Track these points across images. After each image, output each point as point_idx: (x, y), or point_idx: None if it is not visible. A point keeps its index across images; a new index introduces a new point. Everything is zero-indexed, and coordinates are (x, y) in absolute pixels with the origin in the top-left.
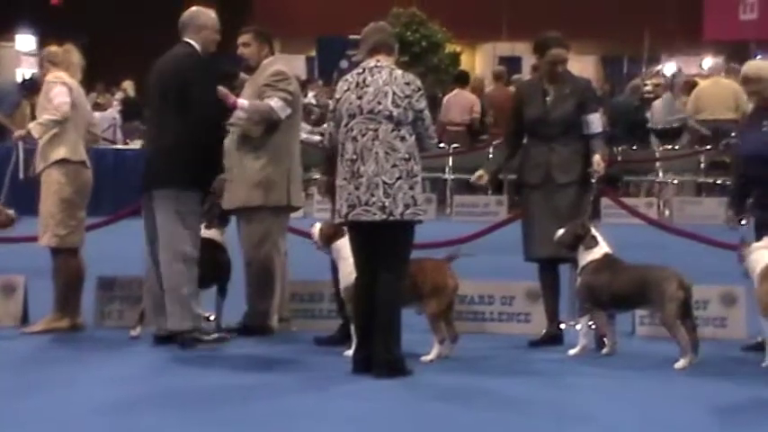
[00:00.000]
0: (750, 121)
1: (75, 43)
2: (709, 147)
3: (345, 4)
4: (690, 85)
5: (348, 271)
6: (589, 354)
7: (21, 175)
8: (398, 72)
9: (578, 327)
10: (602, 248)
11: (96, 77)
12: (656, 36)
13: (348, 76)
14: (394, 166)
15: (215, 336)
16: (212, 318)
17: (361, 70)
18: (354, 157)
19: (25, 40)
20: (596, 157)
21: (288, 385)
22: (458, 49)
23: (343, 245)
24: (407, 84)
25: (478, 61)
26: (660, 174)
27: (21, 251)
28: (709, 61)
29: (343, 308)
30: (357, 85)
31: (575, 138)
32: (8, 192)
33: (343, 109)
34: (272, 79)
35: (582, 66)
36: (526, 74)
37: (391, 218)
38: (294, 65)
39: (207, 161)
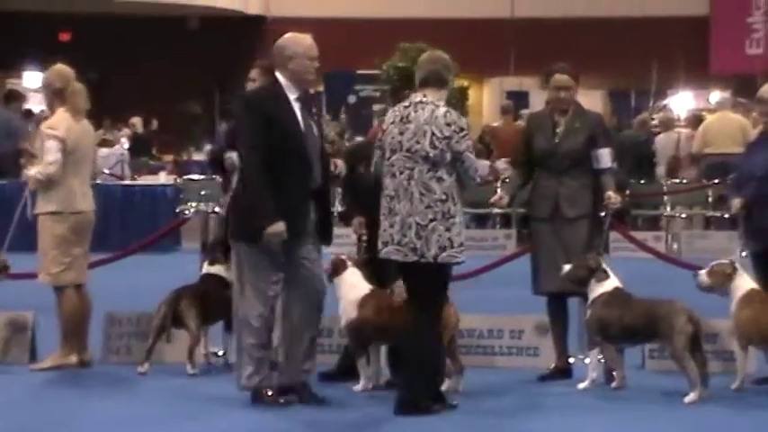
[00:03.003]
0: (760, 142)
1: (84, 80)
2: (717, 180)
3: (353, 38)
4: (697, 120)
5: (346, 308)
6: (598, 387)
7: (28, 215)
8: (441, 111)
9: (587, 360)
10: (613, 282)
11: (104, 113)
12: (664, 70)
13: (396, 108)
14: (428, 207)
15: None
16: (221, 353)
17: (407, 104)
18: (392, 193)
19: (33, 77)
20: (609, 192)
21: (334, 425)
22: (465, 83)
23: (344, 281)
24: (448, 125)
25: (486, 96)
26: (668, 207)
27: (29, 288)
28: (716, 95)
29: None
30: (401, 119)
31: (584, 171)
32: (17, 229)
33: (386, 142)
34: None
35: (589, 100)
36: (534, 108)
37: (423, 260)
38: None
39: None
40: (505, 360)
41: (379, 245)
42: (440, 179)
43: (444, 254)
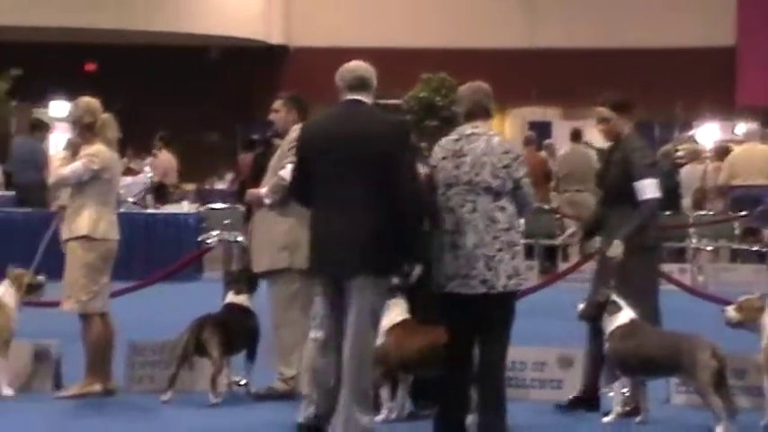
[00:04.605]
0: None
1: (109, 110)
2: (744, 213)
3: (375, 67)
4: (724, 151)
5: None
6: (623, 421)
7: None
8: (496, 140)
9: (611, 394)
10: (627, 314)
11: (128, 142)
12: (689, 101)
13: (444, 143)
14: (495, 237)
15: None
16: (243, 382)
17: (457, 137)
18: (453, 228)
19: (59, 106)
20: (615, 242)
21: None
22: None
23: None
24: (506, 153)
25: (508, 126)
26: (694, 240)
27: (54, 316)
28: (743, 126)
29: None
30: (454, 153)
31: (624, 204)
32: (42, 256)
33: (439, 177)
34: (289, 146)
35: None
36: (556, 139)
37: (493, 291)
38: None
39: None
40: (528, 392)
41: (443, 280)
42: (503, 208)
43: (512, 282)
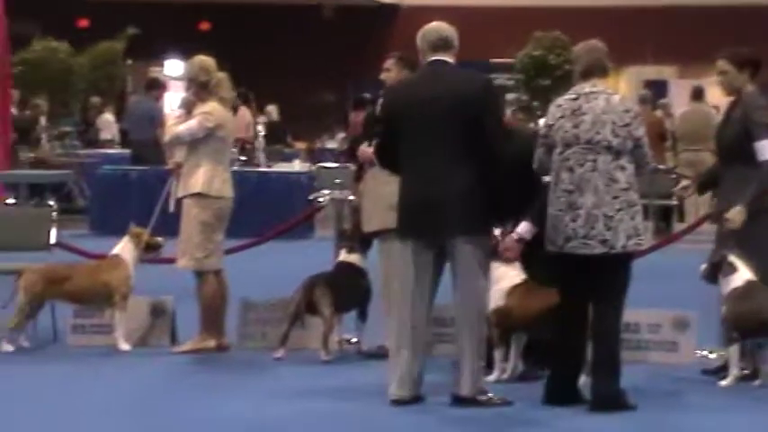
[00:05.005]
0: None
1: (222, 68)
2: None
3: (487, 28)
4: None
5: (495, 297)
6: (741, 385)
7: (171, 208)
8: (616, 98)
9: (725, 355)
10: (744, 275)
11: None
12: None
13: (561, 101)
14: (615, 197)
15: (500, 399)
16: (354, 341)
17: (575, 96)
18: (571, 187)
19: (174, 65)
20: (737, 209)
21: (483, 416)
22: None
23: (498, 269)
24: (626, 111)
25: (623, 85)
26: None
27: (169, 272)
28: None
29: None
30: (572, 112)
31: (742, 163)
32: (159, 214)
33: (557, 137)
34: None
35: None
36: (672, 98)
37: (612, 251)
38: None
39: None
40: (642, 355)
41: (560, 240)
42: (622, 168)
43: (631, 242)
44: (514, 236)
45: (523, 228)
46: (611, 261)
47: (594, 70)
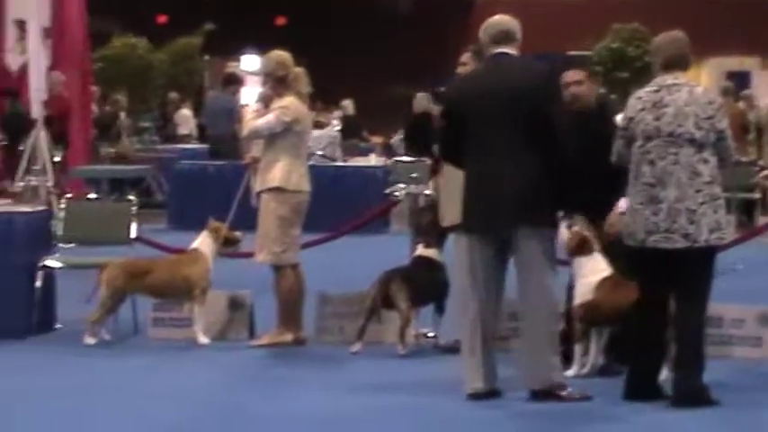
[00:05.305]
0: None
1: (299, 63)
2: None
3: (565, 19)
4: None
5: (583, 291)
6: None
7: (252, 202)
8: (698, 90)
9: None
10: None
11: (316, 96)
12: None
13: (641, 94)
14: (698, 191)
15: (579, 394)
16: (431, 335)
17: (656, 88)
18: (653, 181)
19: (250, 60)
20: None
21: (560, 411)
22: None
23: (586, 263)
24: (709, 103)
25: (704, 76)
26: None
27: (247, 266)
28: None
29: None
30: (654, 104)
31: None
32: (237, 209)
33: (637, 129)
34: None
35: None
36: (755, 89)
37: (695, 245)
38: None
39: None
40: (725, 350)
41: (641, 234)
42: (705, 161)
43: (714, 236)
44: (618, 210)
45: (623, 203)
46: (693, 255)
47: (677, 62)
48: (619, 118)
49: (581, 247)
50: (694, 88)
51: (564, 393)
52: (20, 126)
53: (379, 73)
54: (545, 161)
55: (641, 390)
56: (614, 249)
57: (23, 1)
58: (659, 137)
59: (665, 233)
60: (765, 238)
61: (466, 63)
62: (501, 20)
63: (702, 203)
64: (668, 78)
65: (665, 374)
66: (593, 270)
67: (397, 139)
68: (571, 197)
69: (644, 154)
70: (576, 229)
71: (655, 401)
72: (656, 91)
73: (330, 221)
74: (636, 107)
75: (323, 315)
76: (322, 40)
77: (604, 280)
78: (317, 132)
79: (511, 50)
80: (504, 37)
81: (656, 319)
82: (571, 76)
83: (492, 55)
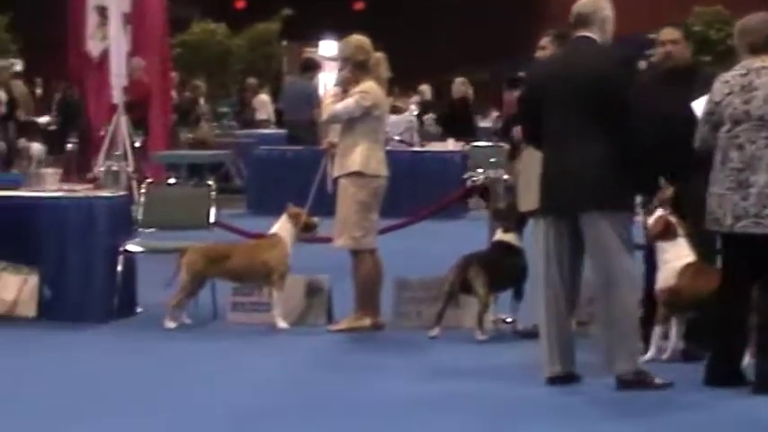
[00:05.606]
0: None
1: (377, 48)
2: None
3: (647, 1)
4: None
5: (666, 276)
6: None
7: (328, 188)
8: None
9: None
10: None
11: (393, 81)
12: None
13: (728, 77)
14: None
15: (661, 380)
16: (509, 320)
17: (744, 71)
18: (741, 165)
19: (328, 46)
20: None
21: (639, 397)
22: None
23: (670, 247)
24: None
25: None
26: None
27: (323, 251)
28: None
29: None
30: (742, 88)
31: None
32: (315, 194)
33: (725, 114)
34: None
35: None
36: None
37: None
38: None
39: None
40: None
41: (729, 219)
42: None
43: None
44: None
45: None
46: None
47: (764, 45)
48: (699, 102)
49: (665, 232)
50: None
51: (645, 380)
52: (69, 112)
53: (457, 57)
54: (619, 146)
55: (722, 376)
56: (697, 235)
57: None
58: (749, 121)
59: (754, 218)
60: None
61: (545, 47)
62: (581, 3)
63: None
64: (756, 61)
65: (747, 360)
66: (678, 255)
67: (429, 118)
68: (648, 183)
69: (732, 138)
70: (660, 213)
71: (736, 388)
72: (744, 74)
73: (408, 207)
74: (723, 91)
75: (401, 300)
76: (399, 24)
77: (688, 266)
78: (394, 117)
79: (590, 34)
80: (581, 20)
81: (739, 305)
82: (667, 34)
83: (573, 39)
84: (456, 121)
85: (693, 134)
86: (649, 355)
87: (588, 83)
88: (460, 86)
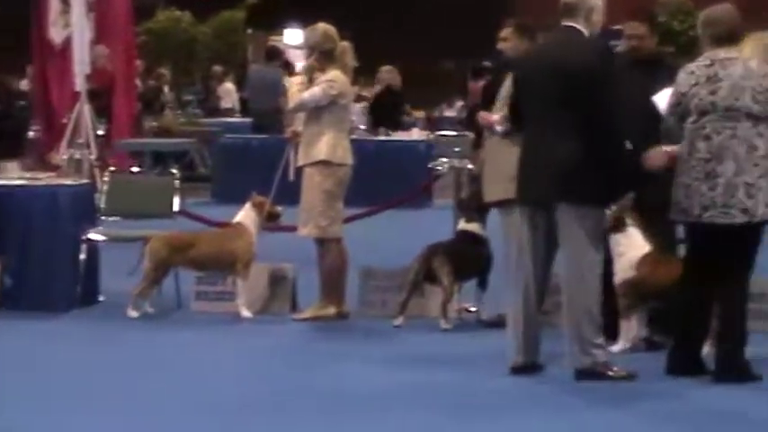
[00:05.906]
0: None
1: (342, 36)
2: None
3: None
4: None
5: (623, 267)
6: None
7: (291, 177)
8: (753, 64)
9: None
10: None
11: (359, 69)
12: None
13: (693, 68)
14: (755, 165)
15: (623, 372)
16: (473, 309)
17: (708, 62)
18: (708, 156)
19: (293, 34)
20: None
21: (602, 387)
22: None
23: (622, 239)
24: (765, 77)
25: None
26: None
27: (287, 240)
28: None
29: (609, 302)
30: (708, 79)
31: None
32: (279, 183)
33: (691, 104)
34: None
35: None
36: None
37: (754, 219)
38: None
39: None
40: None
41: (697, 209)
42: (761, 135)
43: None
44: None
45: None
46: (750, 230)
47: (729, 36)
48: (662, 96)
49: (614, 225)
50: (748, 62)
51: (607, 372)
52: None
53: (422, 46)
54: (594, 140)
55: (684, 365)
56: (653, 226)
57: None
58: (715, 112)
59: (722, 208)
60: None
61: (507, 39)
62: None
63: (760, 177)
64: (721, 52)
65: (706, 349)
66: (631, 246)
67: (359, 108)
68: (623, 178)
69: (698, 129)
70: (612, 208)
71: (697, 377)
72: (709, 65)
73: (373, 196)
74: (688, 82)
75: (366, 289)
76: (364, 13)
77: (646, 256)
78: (358, 106)
79: (576, 24)
80: (567, 10)
81: (702, 295)
82: (632, 28)
83: (557, 28)
84: (382, 109)
85: (655, 126)
86: (618, 347)
87: (565, 75)
88: (385, 75)
